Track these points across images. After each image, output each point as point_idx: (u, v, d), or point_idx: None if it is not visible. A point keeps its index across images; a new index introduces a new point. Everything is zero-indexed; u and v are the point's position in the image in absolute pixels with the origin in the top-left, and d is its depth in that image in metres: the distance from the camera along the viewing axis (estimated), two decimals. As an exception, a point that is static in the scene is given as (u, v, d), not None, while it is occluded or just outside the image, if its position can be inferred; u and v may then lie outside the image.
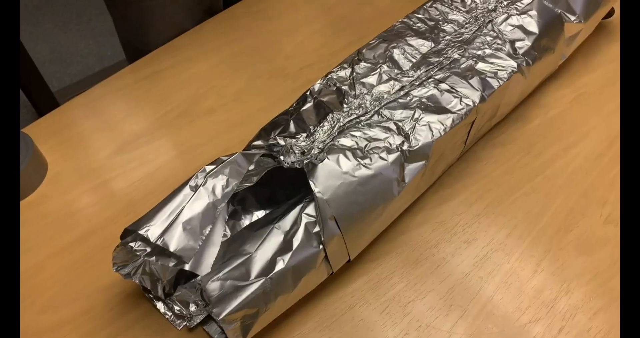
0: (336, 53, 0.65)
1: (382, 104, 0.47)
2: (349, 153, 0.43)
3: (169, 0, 0.72)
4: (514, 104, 0.56)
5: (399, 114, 0.46)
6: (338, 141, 0.44)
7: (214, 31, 0.69)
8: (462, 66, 0.50)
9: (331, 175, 0.41)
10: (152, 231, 0.39)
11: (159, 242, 0.38)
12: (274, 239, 0.41)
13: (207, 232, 0.40)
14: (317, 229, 0.41)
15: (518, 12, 0.54)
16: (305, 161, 0.43)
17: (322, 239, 0.40)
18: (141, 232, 0.39)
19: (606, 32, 0.66)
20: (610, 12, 0.69)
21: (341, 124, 0.45)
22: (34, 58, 1.40)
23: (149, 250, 0.40)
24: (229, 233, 0.46)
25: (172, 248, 0.38)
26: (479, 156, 0.54)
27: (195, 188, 0.41)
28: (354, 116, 0.46)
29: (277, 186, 0.47)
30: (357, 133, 0.45)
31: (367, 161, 0.43)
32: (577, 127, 0.56)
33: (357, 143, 0.44)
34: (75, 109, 0.61)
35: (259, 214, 0.47)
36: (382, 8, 0.71)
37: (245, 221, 0.47)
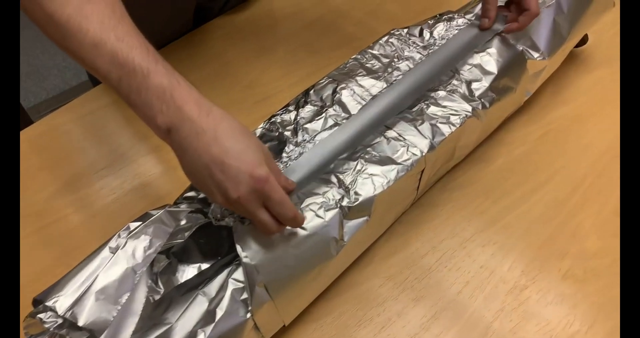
0: (294, 85, 0.62)
1: (324, 153, 0.44)
2: (282, 211, 0.40)
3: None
4: (473, 146, 0.53)
5: (340, 164, 0.43)
6: (272, 197, 0.41)
7: (175, 56, 0.66)
8: (413, 110, 0.47)
9: (261, 237, 0.39)
10: (61, 302, 0.36)
11: (67, 315, 0.35)
12: (197, 308, 0.38)
13: (125, 300, 0.37)
14: (245, 296, 0.38)
15: (477, 50, 0.51)
16: (234, 220, 0.40)
17: (250, 308, 0.38)
18: (49, 304, 0.36)
19: (578, 62, 0.63)
20: (584, 39, 0.66)
21: (279, 176, 0.43)
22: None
23: (60, 321, 0.37)
24: (162, 290, 0.43)
25: (81, 322, 0.35)
26: (435, 200, 0.51)
27: (115, 250, 0.39)
28: (293, 166, 0.43)
29: (221, 236, 0.44)
30: (295, 187, 0.42)
31: (302, 219, 0.40)
32: (541, 169, 0.53)
33: (291, 199, 0.41)
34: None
35: (194, 271, 0.44)
36: (346, 36, 0.68)
37: (181, 276, 0.44)
